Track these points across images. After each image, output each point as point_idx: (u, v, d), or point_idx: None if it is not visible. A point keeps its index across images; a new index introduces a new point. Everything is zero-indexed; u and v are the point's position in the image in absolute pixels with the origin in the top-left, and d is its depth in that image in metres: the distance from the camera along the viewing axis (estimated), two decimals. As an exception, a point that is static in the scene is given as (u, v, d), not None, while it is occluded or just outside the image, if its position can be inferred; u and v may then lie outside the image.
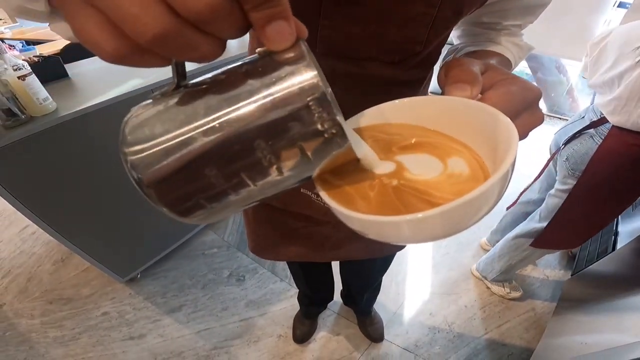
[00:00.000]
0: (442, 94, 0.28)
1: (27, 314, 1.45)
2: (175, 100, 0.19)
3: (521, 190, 1.29)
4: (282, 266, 1.62)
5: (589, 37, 2.19)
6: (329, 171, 0.24)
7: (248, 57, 0.20)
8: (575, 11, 2.08)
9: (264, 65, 0.18)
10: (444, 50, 0.50)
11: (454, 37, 0.55)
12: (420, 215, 0.18)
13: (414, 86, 0.48)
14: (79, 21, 0.16)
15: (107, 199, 1.25)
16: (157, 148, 0.18)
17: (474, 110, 0.24)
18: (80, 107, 1.04)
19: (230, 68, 0.19)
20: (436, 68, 0.50)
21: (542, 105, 2.97)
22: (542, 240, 1.24)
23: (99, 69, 1.37)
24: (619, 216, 1.35)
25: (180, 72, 0.19)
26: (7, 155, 0.94)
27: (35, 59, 1.21)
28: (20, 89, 0.95)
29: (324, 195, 0.22)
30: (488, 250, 1.53)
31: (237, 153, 0.18)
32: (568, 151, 1.09)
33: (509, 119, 0.21)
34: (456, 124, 0.26)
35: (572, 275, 1.41)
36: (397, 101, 0.28)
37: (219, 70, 0.20)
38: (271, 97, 0.17)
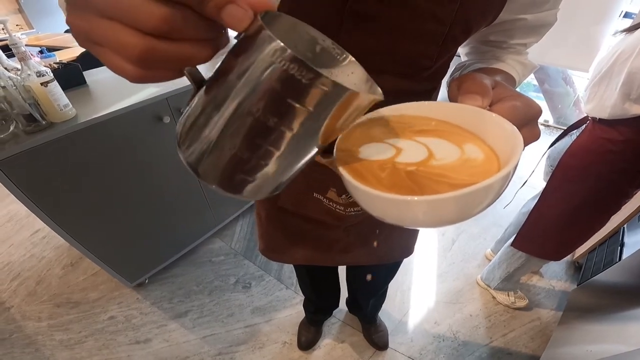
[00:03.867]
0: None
1: (34, 316, 1.46)
2: (195, 101, 0.23)
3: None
4: (288, 274, 1.63)
5: (595, 47, 2.16)
6: (351, 157, 0.26)
7: (230, 47, 0.22)
8: (581, 22, 2.06)
9: (241, 48, 0.20)
10: (452, 65, 0.53)
11: (462, 53, 0.58)
12: (445, 195, 0.19)
13: (424, 97, 0.51)
14: (101, 58, 0.19)
15: (119, 204, 1.27)
16: (194, 143, 0.22)
17: (482, 116, 0.26)
18: (99, 114, 1.07)
19: (224, 59, 0.22)
20: (444, 81, 0.53)
21: (549, 116, 2.95)
22: (520, 239, 1.25)
23: (115, 76, 1.41)
24: (625, 226, 1.35)
25: (195, 77, 0.23)
26: (25, 160, 0.97)
27: (55, 66, 1.25)
28: (43, 95, 0.98)
29: (343, 173, 0.24)
30: None
31: (245, 126, 0.21)
32: (550, 150, 1.17)
33: (514, 126, 0.24)
34: (465, 123, 0.28)
35: (578, 285, 1.41)
36: (411, 102, 0.30)
37: (219, 63, 0.22)
38: (250, 72, 0.19)
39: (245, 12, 0.19)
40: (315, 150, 0.23)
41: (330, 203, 0.59)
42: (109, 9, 0.18)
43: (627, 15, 2.09)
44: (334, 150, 0.26)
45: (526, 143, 0.28)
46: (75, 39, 0.20)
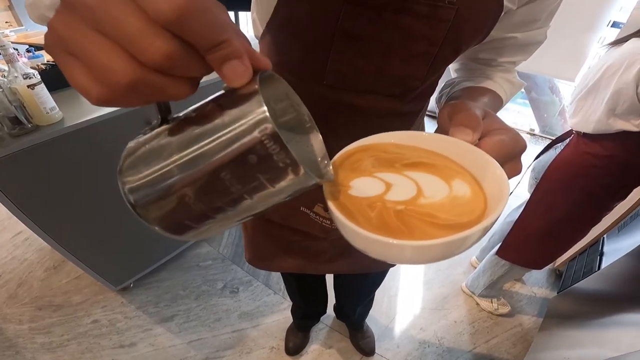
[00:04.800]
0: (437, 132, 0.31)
1: (15, 319, 1.43)
2: (157, 136, 0.22)
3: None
4: (276, 279, 1.63)
5: (582, 57, 2.18)
6: (341, 193, 0.26)
7: (216, 94, 0.22)
8: (569, 31, 2.07)
9: (227, 102, 0.20)
10: (441, 82, 0.54)
11: (452, 69, 0.59)
12: (426, 242, 0.20)
13: (411, 117, 0.52)
14: (66, 70, 0.17)
15: (105, 208, 1.25)
16: (144, 180, 0.21)
17: (473, 153, 0.27)
18: (86, 118, 1.06)
19: (203, 104, 0.21)
20: (432, 99, 0.54)
21: (535, 125, 2.96)
22: (505, 248, 1.28)
23: None
24: (605, 236, 1.40)
25: (163, 109, 0.22)
26: (9, 163, 0.95)
27: (43, 67, 1.21)
28: (29, 98, 0.96)
29: (334, 211, 0.24)
30: None
31: (208, 183, 0.20)
32: (536, 162, 1.19)
33: (504, 171, 0.24)
34: (456, 156, 0.28)
35: (558, 292, 1.45)
36: (404, 132, 0.30)
37: (196, 106, 0.22)
38: (229, 134, 0.19)
39: (246, 70, 0.19)
40: (263, 210, 0.24)
41: (317, 217, 0.60)
42: (111, 26, 0.16)
43: (614, 24, 2.09)
44: (323, 186, 0.26)
45: (509, 177, 0.29)
46: (46, 41, 0.18)
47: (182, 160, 0.20)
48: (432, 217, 0.24)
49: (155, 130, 0.22)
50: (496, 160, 0.26)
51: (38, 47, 2.37)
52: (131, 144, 0.23)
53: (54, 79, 1.19)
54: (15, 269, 1.64)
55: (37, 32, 3.01)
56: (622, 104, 0.89)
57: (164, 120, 0.22)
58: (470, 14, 0.38)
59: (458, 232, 0.21)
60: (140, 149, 0.22)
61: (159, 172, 0.21)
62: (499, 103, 0.49)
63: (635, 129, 0.90)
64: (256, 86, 0.19)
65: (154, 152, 0.21)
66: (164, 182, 0.21)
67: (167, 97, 0.19)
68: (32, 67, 1.10)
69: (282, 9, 0.40)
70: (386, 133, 0.30)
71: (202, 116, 0.20)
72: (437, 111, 0.52)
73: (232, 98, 0.20)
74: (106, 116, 1.10)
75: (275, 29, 0.44)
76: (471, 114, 0.29)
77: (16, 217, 1.04)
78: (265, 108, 0.18)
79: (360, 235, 0.22)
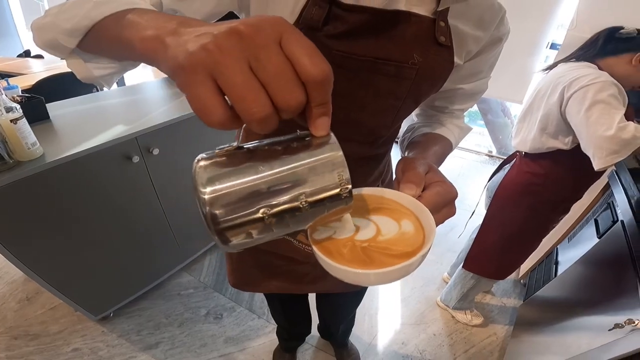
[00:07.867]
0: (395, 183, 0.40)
1: (-10, 348, 1.37)
2: (241, 157, 0.25)
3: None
4: (259, 304, 1.64)
5: (528, 79, 2.39)
6: (320, 235, 0.33)
7: (290, 135, 0.27)
8: (513, 56, 2.24)
9: (308, 144, 0.26)
10: (404, 124, 0.63)
11: (413, 114, 0.68)
12: (384, 269, 0.28)
13: (379, 159, 0.60)
14: (197, 90, 0.19)
15: (85, 240, 1.25)
16: (228, 191, 0.24)
17: (415, 205, 0.35)
18: (67, 154, 1.05)
19: (282, 140, 0.26)
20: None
21: (492, 147, 3.14)
22: (469, 261, 1.38)
23: (78, 111, 1.39)
24: (558, 247, 1.53)
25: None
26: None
27: (19, 99, 1.20)
28: (12, 133, 0.95)
29: (316, 252, 0.31)
30: None
31: (287, 200, 0.25)
32: (489, 183, 1.31)
33: (433, 218, 0.32)
34: (405, 203, 0.37)
35: (524, 301, 1.56)
36: (371, 187, 0.39)
37: (271, 140, 0.27)
38: (314, 164, 0.25)
39: (329, 126, 0.25)
40: (304, 228, 0.29)
41: (300, 244, 0.65)
42: (266, 68, 0.19)
43: (552, 46, 2.31)
44: (308, 231, 0.33)
45: (445, 219, 0.37)
46: (190, 57, 0.19)
47: (271, 178, 0.24)
48: (388, 250, 0.32)
49: (238, 153, 0.26)
50: (434, 206, 0.35)
51: (2, 75, 2.28)
52: (208, 161, 0.25)
53: (30, 111, 1.16)
54: (-14, 302, 1.58)
55: (2, 59, 2.89)
56: (551, 124, 1.00)
57: (239, 147, 0.26)
58: (428, 72, 0.47)
59: (406, 260, 0.29)
60: (223, 166, 0.25)
61: (246, 186, 0.24)
62: (448, 148, 0.59)
63: (565, 147, 1.01)
64: (333, 136, 0.26)
65: (241, 170, 0.24)
66: (249, 195, 0.24)
67: (267, 130, 0.21)
68: (11, 99, 1.08)
69: None
70: (361, 189, 0.38)
71: (287, 150, 0.25)
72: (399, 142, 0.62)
73: (314, 142, 0.26)
74: (87, 152, 1.10)
75: None
76: (417, 172, 0.37)
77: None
78: (342, 152, 0.25)
79: (336, 268, 0.29)
